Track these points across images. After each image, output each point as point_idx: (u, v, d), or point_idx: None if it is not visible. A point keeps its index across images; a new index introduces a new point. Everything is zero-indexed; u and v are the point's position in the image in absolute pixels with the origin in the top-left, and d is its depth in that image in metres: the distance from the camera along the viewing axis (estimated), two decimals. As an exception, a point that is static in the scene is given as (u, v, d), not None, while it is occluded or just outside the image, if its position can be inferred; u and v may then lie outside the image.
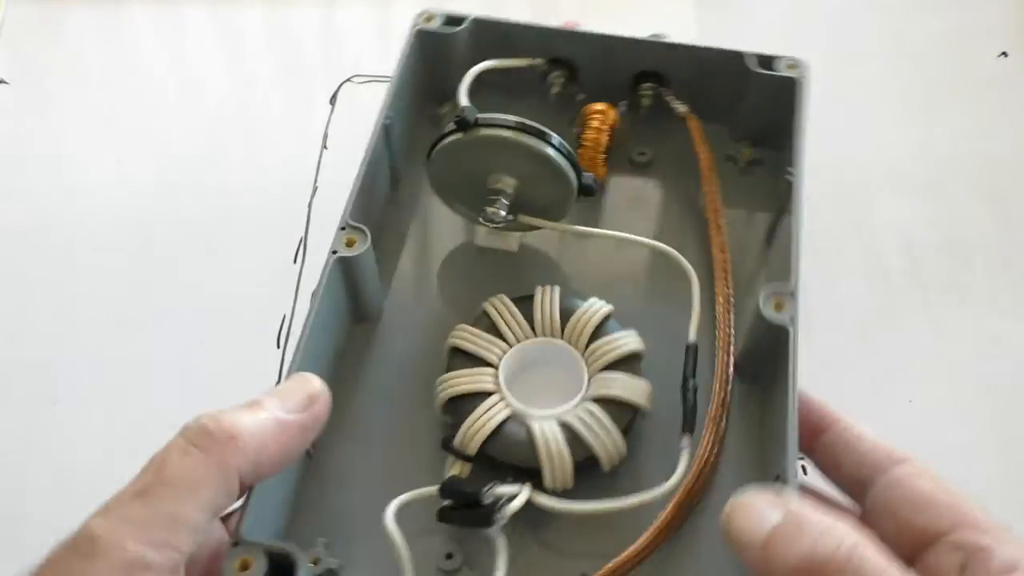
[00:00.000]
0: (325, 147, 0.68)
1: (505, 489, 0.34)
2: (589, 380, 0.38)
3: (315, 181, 0.66)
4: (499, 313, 0.39)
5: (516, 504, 0.34)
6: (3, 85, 0.71)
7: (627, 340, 0.38)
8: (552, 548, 0.36)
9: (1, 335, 0.62)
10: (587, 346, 0.38)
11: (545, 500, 0.35)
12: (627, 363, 0.38)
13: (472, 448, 0.36)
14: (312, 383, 0.32)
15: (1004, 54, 0.69)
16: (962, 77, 0.70)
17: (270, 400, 0.31)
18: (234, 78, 0.71)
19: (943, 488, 0.30)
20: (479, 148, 0.39)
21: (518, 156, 0.39)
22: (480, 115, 0.39)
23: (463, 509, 0.34)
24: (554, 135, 0.39)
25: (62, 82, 0.71)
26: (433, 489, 0.35)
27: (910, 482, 0.31)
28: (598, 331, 0.39)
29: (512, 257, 0.44)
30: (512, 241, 0.43)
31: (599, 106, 0.45)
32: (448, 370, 0.38)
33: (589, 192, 0.40)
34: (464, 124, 0.38)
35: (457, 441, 0.36)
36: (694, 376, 0.37)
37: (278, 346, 0.61)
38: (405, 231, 0.44)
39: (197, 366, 0.61)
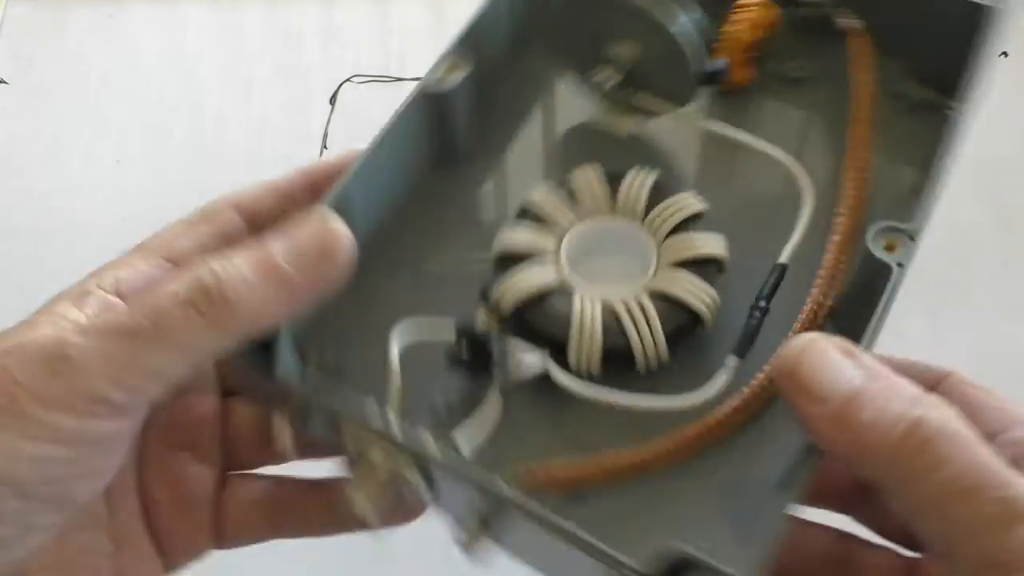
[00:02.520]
0: (325, 147, 0.68)
1: (523, 350, 0.32)
2: (655, 273, 0.35)
3: (315, 181, 0.66)
4: (585, 183, 0.37)
5: (527, 371, 0.32)
6: (3, 85, 0.71)
7: (710, 242, 0.35)
8: (564, 437, 0.33)
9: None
10: (665, 239, 0.35)
11: (563, 377, 0.32)
12: (703, 267, 0.34)
13: (505, 305, 0.33)
14: (331, 236, 0.28)
15: (1004, 54, 0.69)
16: (962, 77, 0.70)
17: (278, 245, 0.28)
18: (234, 78, 0.71)
19: (991, 394, 0.29)
20: (596, 10, 0.36)
21: (640, 22, 0.36)
22: None
23: (471, 354, 0.33)
24: (683, 13, 0.35)
25: (62, 82, 0.71)
26: (450, 323, 0.33)
27: (960, 390, 0.29)
28: (681, 227, 0.35)
29: (620, 145, 0.40)
30: (625, 125, 0.40)
31: (753, 1, 0.40)
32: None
33: (712, 80, 0.37)
34: None
35: (493, 296, 0.34)
36: (769, 299, 0.33)
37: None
38: (522, 102, 0.41)
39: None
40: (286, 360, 0.31)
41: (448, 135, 0.38)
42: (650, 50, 0.37)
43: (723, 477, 0.32)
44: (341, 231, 0.28)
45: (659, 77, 0.37)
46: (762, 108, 0.41)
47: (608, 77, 0.37)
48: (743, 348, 0.32)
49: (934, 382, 0.30)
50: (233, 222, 0.34)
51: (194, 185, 0.67)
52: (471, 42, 0.37)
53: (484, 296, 0.34)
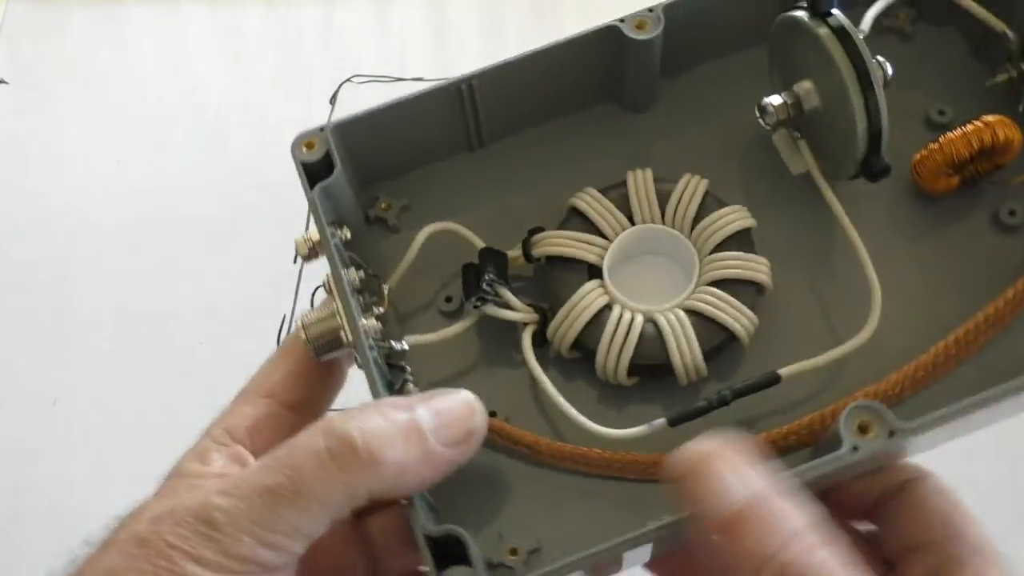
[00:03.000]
0: (325, 147, 0.68)
1: (508, 301, 0.35)
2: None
3: (315, 181, 0.66)
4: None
5: (499, 312, 0.35)
6: (3, 85, 0.71)
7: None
8: (520, 397, 0.35)
9: (1, 335, 0.62)
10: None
11: (527, 350, 0.34)
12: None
13: (536, 250, 0.36)
14: (475, 417, 0.30)
15: (1004, 54, 0.69)
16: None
17: (427, 418, 0.29)
18: (234, 78, 0.71)
19: (955, 506, 0.29)
20: (801, 37, 0.34)
21: (829, 73, 0.33)
22: (836, 11, 0.33)
23: (474, 276, 0.35)
24: (878, 86, 0.32)
25: (62, 82, 0.71)
26: (479, 243, 0.36)
27: (920, 497, 0.29)
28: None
29: (776, 173, 0.38)
30: (796, 162, 0.37)
31: (991, 118, 0.35)
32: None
33: (869, 174, 0.34)
34: (817, 5, 0.33)
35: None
36: (738, 396, 0.33)
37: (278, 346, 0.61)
38: (719, 89, 0.39)
39: (197, 366, 0.61)
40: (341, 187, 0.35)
41: (622, 78, 0.38)
42: (828, 108, 0.34)
43: (588, 503, 0.33)
44: (481, 413, 0.30)
45: (824, 139, 0.35)
46: (933, 226, 0.36)
47: (775, 107, 0.35)
48: (678, 420, 0.33)
49: (901, 482, 0.30)
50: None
51: (194, 185, 0.67)
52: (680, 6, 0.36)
53: (531, 233, 0.36)
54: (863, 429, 0.29)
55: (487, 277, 0.34)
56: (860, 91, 0.32)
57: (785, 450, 0.33)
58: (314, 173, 0.35)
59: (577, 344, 0.34)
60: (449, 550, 0.29)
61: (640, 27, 0.36)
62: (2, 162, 0.68)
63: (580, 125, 0.39)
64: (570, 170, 0.38)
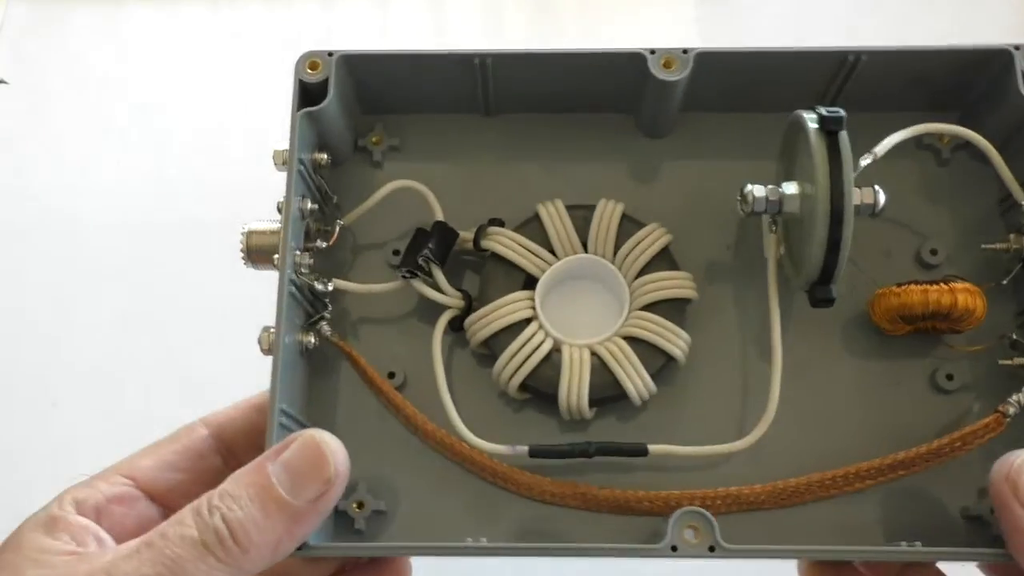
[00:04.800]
0: (325, 147, 0.68)
1: (438, 282, 0.35)
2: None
3: (315, 181, 0.66)
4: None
5: (425, 290, 0.35)
6: (3, 85, 0.71)
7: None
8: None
9: (1, 335, 0.62)
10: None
11: (437, 337, 0.35)
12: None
13: (481, 242, 0.36)
14: (329, 463, 0.29)
15: (1004, 54, 0.69)
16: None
17: (282, 479, 0.29)
18: (234, 78, 0.71)
19: None
20: (803, 143, 0.33)
21: (812, 191, 0.32)
22: (843, 134, 0.32)
23: (419, 245, 0.36)
24: (848, 227, 0.31)
25: (62, 82, 0.71)
26: (439, 214, 0.36)
27: None
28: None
29: (749, 249, 0.37)
30: (767, 248, 0.36)
31: (960, 284, 0.34)
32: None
33: (811, 299, 0.33)
34: (827, 122, 0.31)
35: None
36: (602, 454, 0.34)
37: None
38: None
39: (197, 366, 0.61)
40: None
41: (640, 102, 0.37)
42: (801, 222, 0.33)
43: (447, 493, 0.34)
44: (337, 452, 0.30)
45: (792, 244, 0.35)
46: (873, 360, 0.36)
47: (755, 197, 0.34)
48: (538, 453, 0.34)
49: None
50: (201, 436, 0.35)
51: (194, 185, 0.67)
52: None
53: (490, 223, 0.36)
54: (693, 532, 0.30)
55: (425, 253, 0.35)
56: (828, 226, 0.31)
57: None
58: (308, 94, 0.35)
59: (523, 386, 0.35)
60: None
61: (667, 66, 0.35)
62: (2, 162, 0.68)
63: (592, 127, 0.39)
64: (567, 167, 0.38)
